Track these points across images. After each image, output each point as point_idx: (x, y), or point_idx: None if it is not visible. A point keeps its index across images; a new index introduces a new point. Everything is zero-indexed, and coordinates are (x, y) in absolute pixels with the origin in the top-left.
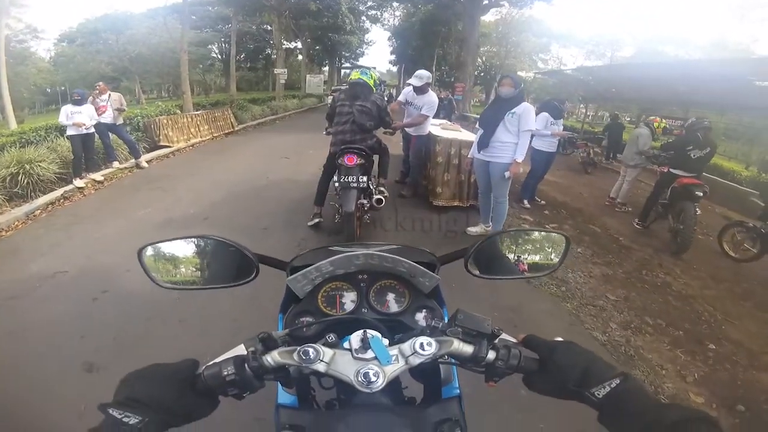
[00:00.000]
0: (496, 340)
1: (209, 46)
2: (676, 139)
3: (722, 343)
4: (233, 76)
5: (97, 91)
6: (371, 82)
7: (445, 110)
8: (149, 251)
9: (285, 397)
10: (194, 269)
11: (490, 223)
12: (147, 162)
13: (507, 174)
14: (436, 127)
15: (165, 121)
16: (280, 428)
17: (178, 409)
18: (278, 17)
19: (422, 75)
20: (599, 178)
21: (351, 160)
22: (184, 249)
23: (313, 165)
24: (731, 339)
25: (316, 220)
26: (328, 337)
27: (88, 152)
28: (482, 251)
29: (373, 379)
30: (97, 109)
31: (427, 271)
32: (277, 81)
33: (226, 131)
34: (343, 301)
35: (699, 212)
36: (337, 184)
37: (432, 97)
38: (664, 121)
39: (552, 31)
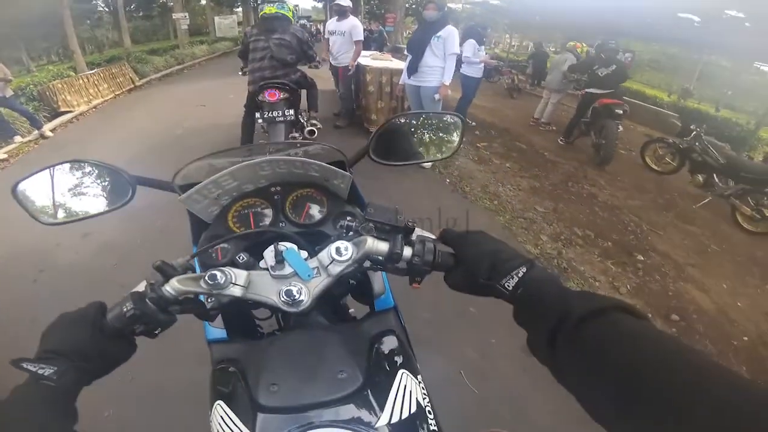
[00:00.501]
0: (414, 237)
1: (93, 1)
2: (582, 61)
3: (650, 254)
4: (125, 28)
5: None
6: (290, 14)
7: (376, 42)
8: (24, 188)
9: (214, 332)
10: (74, 199)
11: None
12: (51, 131)
13: (437, 96)
14: (366, 58)
15: (60, 85)
16: (215, 364)
17: (93, 356)
18: None
19: None
20: (524, 102)
21: (273, 96)
22: (60, 179)
23: (235, 108)
24: (658, 250)
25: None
26: (239, 258)
27: None
28: (383, 140)
29: (297, 296)
30: None
31: (339, 170)
32: (178, 27)
33: (128, 87)
34: (258, 218)
35: (621, 129)
36: (260, 121)
37: (355, 21)
38: (585, 45)
39: None
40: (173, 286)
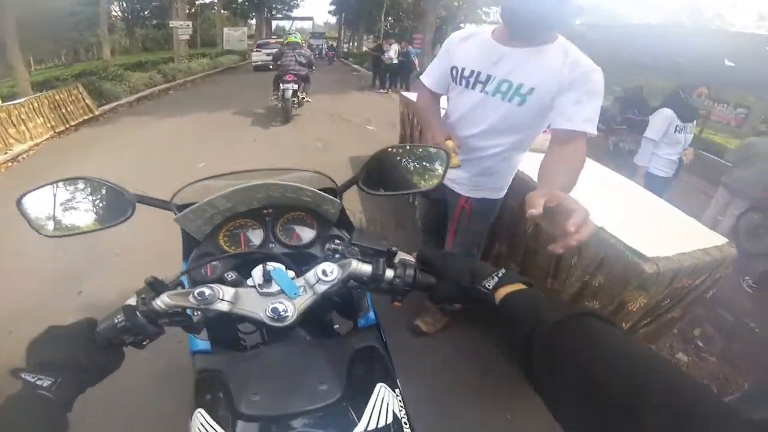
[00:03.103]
0: (396, 260)
1: (108, 6)
2: None
3: None
4: (105, 35)
5: None
6: (300, 41)
7: (404, 68)
8: (28, 200)
9: (199, 343)
10: (75, 213)
11: None
12: None
13: None
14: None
15: None
16: (198, 374)
17: (88, 365)
18: None
19: None
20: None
21: (290, 77)
22: (62, 194)
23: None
24: None
25: (275, 101)
26: (228, 276)
27: None
28: (373, 170)
29: (283, 313)
30: None
31: (329, 196)
32: (175, 37)
33: (79, 120)
34: (249, 238)
35: None
36: (282, 86)
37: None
38: None
39: None
40: (163, 301)
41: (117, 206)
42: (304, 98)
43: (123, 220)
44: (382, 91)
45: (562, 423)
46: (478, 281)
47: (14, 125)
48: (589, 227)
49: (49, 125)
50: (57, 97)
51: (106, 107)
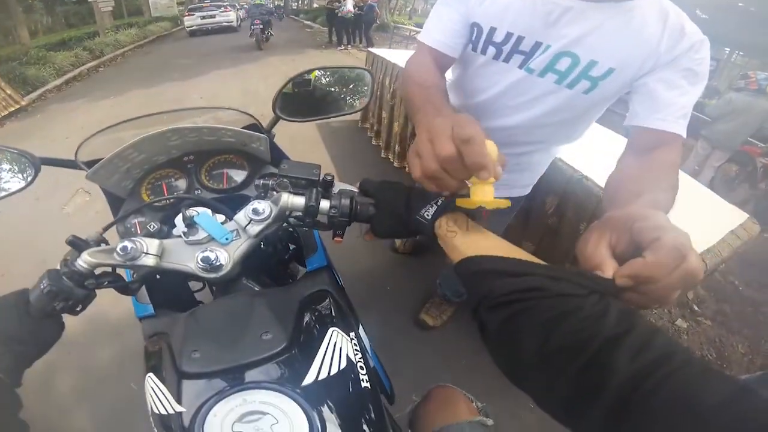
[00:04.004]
0: (335, 190)
1: None
2: None
3: None
4: (18, 15)
5: None
6: (263, 2)
7: (365, 21)
8: None
9: (142, 308)
10: None
11: None
12: None
13: None
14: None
15: None
16: (146, 339)
17: (26, 338)
18: None
19: None
20: None
21: (257, 22)
22: None
23: None
24: None
25: (251, 38)
26: (150, 227)
27: None
28: (291, 97)
29: (215, 261)
30: None
31: (252, 132)
32: (96, 9)
33: (4, 113)
34: (172, 188)
35: None
36: (253, 27)
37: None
38: None
39: None
40: (86, 260)
41: (22, 170)
42: (269, 33)
43: (28, 183)
44: (341, 48)
45: (513, 378)
46: (416, 211)
47: None
48: (690, 266)
49: None
50: None
51: (34, 95)
